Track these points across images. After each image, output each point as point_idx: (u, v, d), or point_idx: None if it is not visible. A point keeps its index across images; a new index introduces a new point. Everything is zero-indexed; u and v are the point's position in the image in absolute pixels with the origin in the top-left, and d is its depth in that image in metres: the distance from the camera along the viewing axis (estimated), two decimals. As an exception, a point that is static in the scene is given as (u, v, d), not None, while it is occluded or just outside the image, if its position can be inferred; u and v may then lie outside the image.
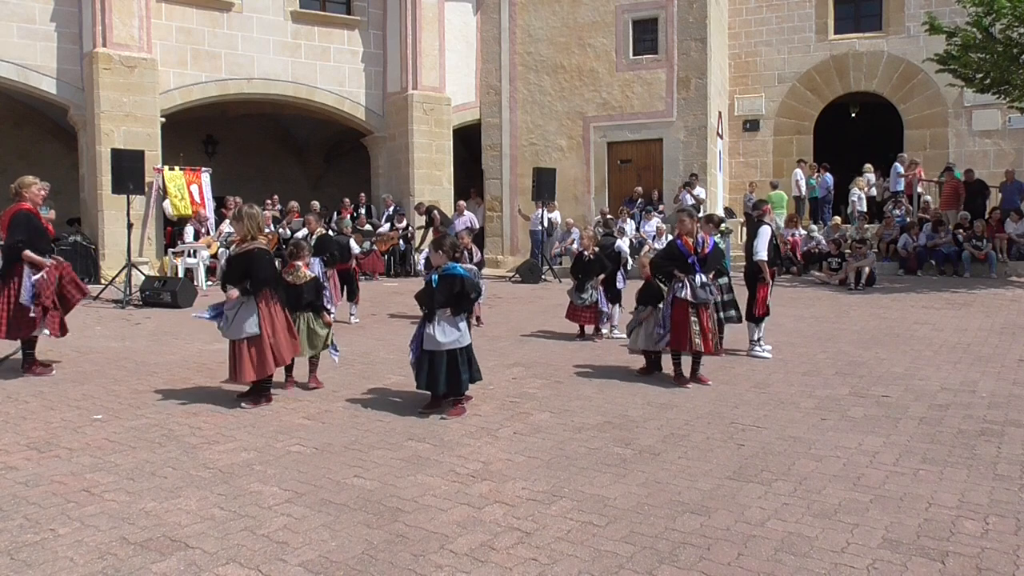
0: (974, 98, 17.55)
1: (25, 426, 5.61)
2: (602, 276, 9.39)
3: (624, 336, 9.08)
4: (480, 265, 11.01)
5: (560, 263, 17.30)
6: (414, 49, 18.50)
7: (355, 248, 11.24)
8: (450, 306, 5.87)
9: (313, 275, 6.93)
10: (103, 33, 15.15)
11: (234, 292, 6.08)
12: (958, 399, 6.40)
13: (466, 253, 10.26)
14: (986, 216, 15.91)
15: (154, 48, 15.97)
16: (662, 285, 7.25)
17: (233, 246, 6.40)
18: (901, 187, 17.95)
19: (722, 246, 8.60)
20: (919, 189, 17.60)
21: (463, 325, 5.93)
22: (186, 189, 16.16)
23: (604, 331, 9.61)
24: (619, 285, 9.78)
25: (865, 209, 17.76)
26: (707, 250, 7.13)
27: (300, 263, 6.85)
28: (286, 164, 23.47)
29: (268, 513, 4.03)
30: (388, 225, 17.93)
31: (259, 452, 5.04)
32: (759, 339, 8.36)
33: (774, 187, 18.62)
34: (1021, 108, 15.15)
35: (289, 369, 6.83)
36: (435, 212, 16.31)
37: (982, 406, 6.17)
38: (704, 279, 7.01)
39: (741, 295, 8.55)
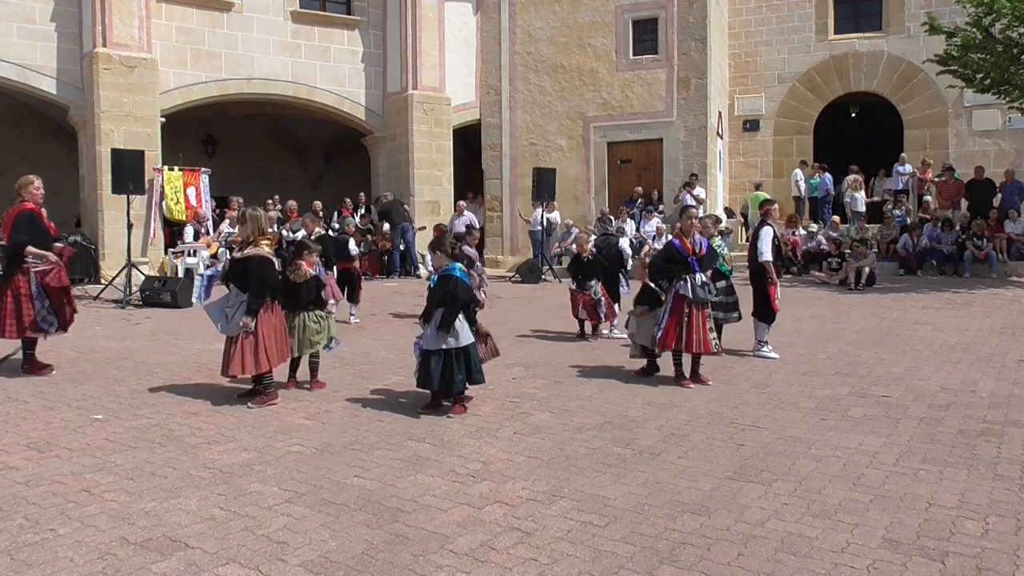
0: (974, 98, 17.55)
1: (25, 426, 5.61)
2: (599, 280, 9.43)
3: (623, 336, 9.08)
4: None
5: (560, 263, 17.31)
6: (414, 49, 18.50)
7: (353, 249, 11.23)
8: (444, 307, 5.89)
9: (314, 274, 6.94)
10: (103, 33, 15.15)
11: (249, 321, 6.05)
12: (958, 399, 6.40)
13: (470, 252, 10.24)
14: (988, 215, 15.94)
15: (154, 48, 15.97)
16: (659, 289, 7.26)
17: (236, 248, 6.37)
18: (901, 186, 17.96)
19: (723, 247, 8.60)
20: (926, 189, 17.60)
21: (460, 326, 5.92)
22: (182, 192, 16.16)
23: (604, 331, 9.61)
24: (622, 288, 9.79)
25: (862, 209, 17.73)
26: (703, 250, 7.15)
27: (303, 262, 6.86)
28: (286, 164, 23.47)
29: (268, 513, 4.03)
30: (387, 225, 17.94)
31: (259, 452, 5.04)
32: (765, 340, 8.35)
33: (757, 187, 18.57)
34: (1021, 108, 15.15)
35: (293, 369, 6.85)
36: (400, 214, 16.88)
37: (982, 406, 6.17)
38: (704, 278, 7.02)
39: (744, 295, 8.55)
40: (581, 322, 9.57)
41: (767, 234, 8.36)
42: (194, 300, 12.27)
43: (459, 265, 6.06)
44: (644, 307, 7.42)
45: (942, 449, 5.09)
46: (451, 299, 5.87)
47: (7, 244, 7.36)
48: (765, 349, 8.30)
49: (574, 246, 10.70)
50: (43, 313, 7.22)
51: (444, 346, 5.85)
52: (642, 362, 7.56)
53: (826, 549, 3.62)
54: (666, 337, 6.94)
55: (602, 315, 9.42)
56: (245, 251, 6.19)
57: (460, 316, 5.91)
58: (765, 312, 8.31)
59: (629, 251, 10.31)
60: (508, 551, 3.61)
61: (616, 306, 9.66)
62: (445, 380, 5.88)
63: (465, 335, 5.94)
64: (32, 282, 7.21)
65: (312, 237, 10.03)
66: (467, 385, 6.03)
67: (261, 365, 6.14)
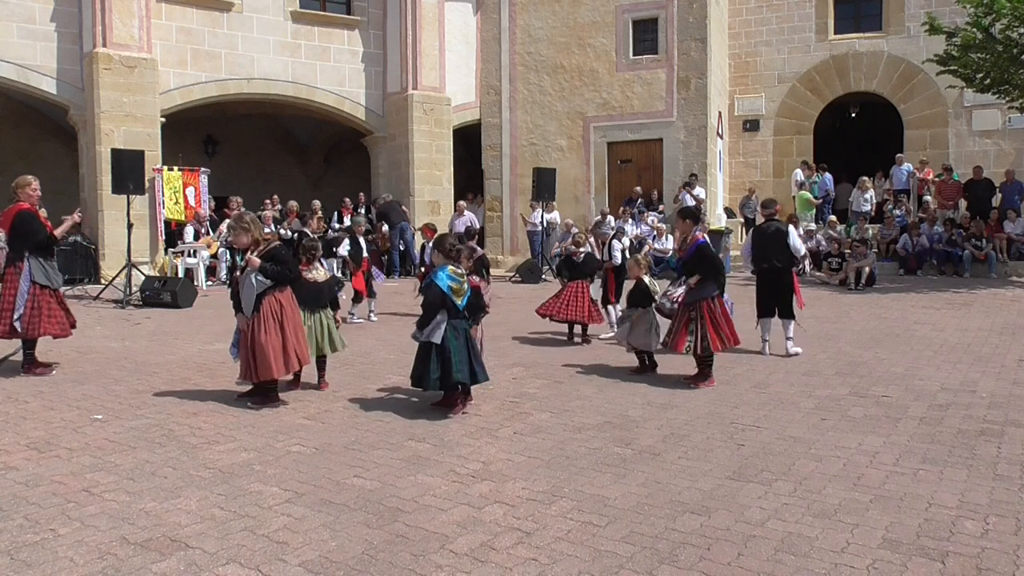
0: (974, 98, 17.56)
1: (25, 426, 5.61)
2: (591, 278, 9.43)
3: (609, 337, 9.08)
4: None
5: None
6: (414, 49, 18.50)
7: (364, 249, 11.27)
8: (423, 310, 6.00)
9: (332, 273, 6.96)
10: (103, 33, 15.15)
11: (256, 260, 6.02)
12: (958, 399, 6.40)
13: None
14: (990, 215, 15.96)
15: (154, 48, 15.97)
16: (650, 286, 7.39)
17: (250, 252, 6.28)
18: (900, 186, 17.96)
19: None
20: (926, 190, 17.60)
21: (435, 324, 5.88)
22: (182, 192, 16.17)
23: (597, 332, 9.52)
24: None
25: (868, 209, 17.70)
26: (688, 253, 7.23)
27: (316, 262, 6.92)
28: (286, 164, 23.47)
29: (268, 513, 4.03)
30: (386, 225, 17.96)
31: (259, 452, 5.04)
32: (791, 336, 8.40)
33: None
34: (1021, 108, 15.15)
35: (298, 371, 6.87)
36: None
37: (982, 406, 6.17)
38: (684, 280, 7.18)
39: (743, 295, 8.55)
40: (570, 326, 9.37)
41: (795, 232, 8.40)
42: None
43: (446, 270, 5.97)
44: (637, 309, 7.44)
45: (942, 449, 5.09)
46: (425, 304, 5.98)
47: (8, 243, 7.39)
48: (791, 345, 8.33)
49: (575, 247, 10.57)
50: (20, 311, 7.18)
51: (425, 340, 5.89)
52: (637, 362, 7.61)
53: (826, 549, 3.62)
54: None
55: (604, 313, 9.41)
56: (260, 249, 6.16)
57: (440, 315, 5.87)
58: (790, 310, 8.32)
59: (619, 249, 10.12)
60: (508, 551, 3.61)
61: (609, 306, 9.61)
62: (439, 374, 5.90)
63: (434, 334, 5.86)
64: (24, 282, 7.21)
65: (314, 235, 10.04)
66: (444, 385, 5.92)
67: (292, 365, 6.16)
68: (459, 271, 6.02)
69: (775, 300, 8.39)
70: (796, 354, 8.25)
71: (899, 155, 18.50)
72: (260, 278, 6.02)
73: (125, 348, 8.82)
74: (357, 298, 10.92)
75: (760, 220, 9.04)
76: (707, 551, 3.60)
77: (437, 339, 5.83)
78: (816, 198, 18.63)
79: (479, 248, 9.26)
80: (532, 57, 19.68)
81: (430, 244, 6.89)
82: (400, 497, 4.25)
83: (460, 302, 5.93)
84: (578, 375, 7.47)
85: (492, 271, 17.03)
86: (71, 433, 5.45)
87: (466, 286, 6.01)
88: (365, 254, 11.13)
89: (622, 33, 18.88)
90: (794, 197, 18.88)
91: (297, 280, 6.39)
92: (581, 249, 9.43)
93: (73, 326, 7.72)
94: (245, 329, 6.07)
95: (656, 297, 7.54)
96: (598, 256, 9.90)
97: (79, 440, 5.28)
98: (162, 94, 16.14)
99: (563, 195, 18.86)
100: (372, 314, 11.04)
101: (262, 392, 6.24)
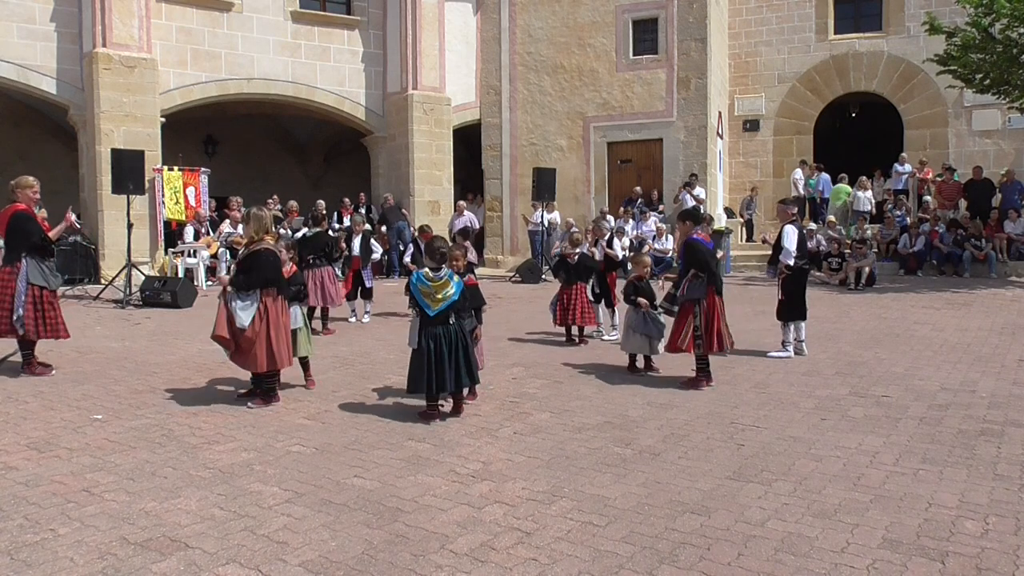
0: (974, 98, 17.55)
1: (25, 426, 5.61)
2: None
3: (613, 339, 9.06)
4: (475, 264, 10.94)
5: (560, 263, 17.28)
6: (414, 49, 18.50)
7: (376, 250, 11.27)
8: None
9: (291, 270, 6.94)
10: (103, 33, 15.16)
11: (225, 277, 6.08)
12: (958, 399, 6.40)
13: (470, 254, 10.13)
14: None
15: (154, 48, 15.97)
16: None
17: (242, 250, 6.34)
18: (901, 186, 17.95)
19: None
20: (926, 190, 17.58)
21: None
22: (182, 192, 16.18)
23: (592, 334, 9.50)
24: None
25: (867, 209, 17.70)
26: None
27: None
28: (286, 164, 23.47)
29: (268, 513, 4.03)
30: (385, 226, 17.97)
31: (259, 452, 5.04)
32: (803, 339, 8.41)
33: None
34: (1021, 108, 15.15)
35: (305, 369, 6.86)
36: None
37: (982, 406, 6.17)
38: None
39: (743, 295, 8.54)
40: (568, 328, 9.34)
41: (791, 232, 8.26)
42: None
43: (418, 274, 5.84)
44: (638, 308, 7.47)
45: (942, 449, 5.09)
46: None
47: (5, 244, 7.39)
48: (803, 347, 8.35)
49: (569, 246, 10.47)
50: (20, 312, 7.18)
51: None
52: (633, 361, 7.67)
53: (826, 549, 3.62)
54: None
55: (598, 314, 9.41)
56: (251, 248, 6.18)
57: (414, 320, 5.89)
58: (802, 311, 8.31)
59: (619, 247, 10.05)
60: (508, 551, 3.61)
61: (601, 307, 9.59)
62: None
63: (411, 338, 5.88)
64: (21, 282, 7.21)
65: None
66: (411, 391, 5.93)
67: (281, 361, 6.17)
68: (431, 274, 5.75)
69: (791, 302, 8.35)
70: (803, 354, 8.29)
71: (903, 155, 18.48)
72: (242, 296, 6.01)
73: (125, 348, 8.82)
74: (351, 296, 10.90)
75: (763, 219, 9.01)
76: (707, 551, 3.60)
77: (411, 344, 5.86)
78: (813, 198, 18.64)
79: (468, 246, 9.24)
80: (532, 57, 19.67)
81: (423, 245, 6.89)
82: (400, 497, 4.25)
83: (433, 306, 5.68)
84: (578, 375, 7.47)
85: (492, 271, 17.06)
86: (71, 433, 5.45)
87: (448, 290, 5.72)
88: (356, 253, 11.08)
89: (622, 33, 18.87)
90: (803, 196, 18.77)
91: (275, 282, 6.31)
92: (576, 249, 9.39)
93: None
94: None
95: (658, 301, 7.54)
96: (594, 255, 9.88)
97: (79, 440, 5.28)
98: (162, 94, 16.15)
99: (563, 195, 18.86)
100: (367, 315, 10.99)
101: (262, 391, 6.24)
